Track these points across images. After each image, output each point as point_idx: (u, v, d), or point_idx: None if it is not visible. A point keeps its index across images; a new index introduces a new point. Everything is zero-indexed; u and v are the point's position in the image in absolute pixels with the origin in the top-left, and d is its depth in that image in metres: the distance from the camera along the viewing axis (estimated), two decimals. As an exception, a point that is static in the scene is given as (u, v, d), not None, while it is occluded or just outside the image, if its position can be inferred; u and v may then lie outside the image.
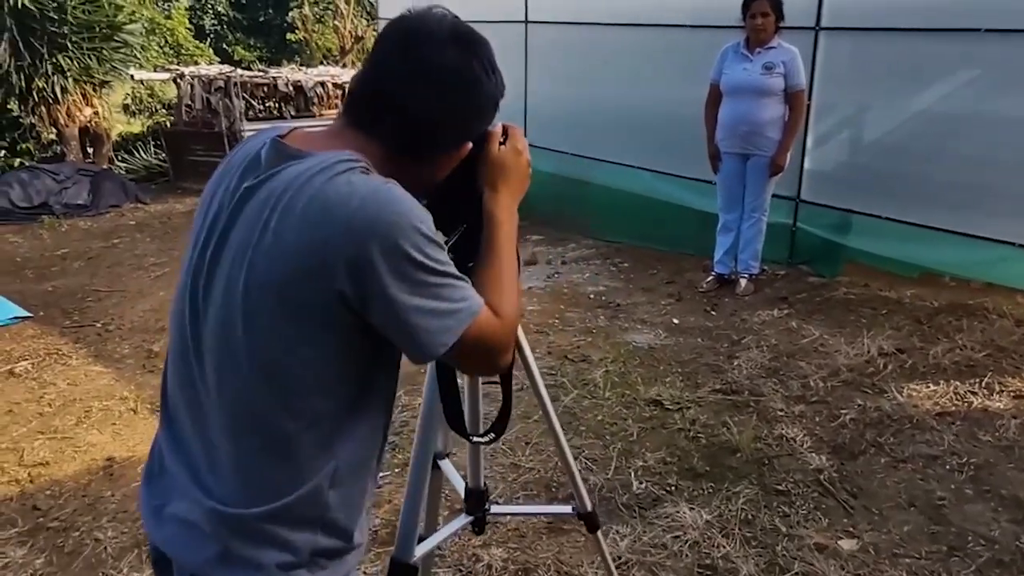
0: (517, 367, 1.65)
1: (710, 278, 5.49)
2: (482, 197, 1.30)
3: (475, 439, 1.58)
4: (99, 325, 5.04)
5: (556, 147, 7.25)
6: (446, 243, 1.36)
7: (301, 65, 13.27)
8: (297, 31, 15.40)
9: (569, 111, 7.08)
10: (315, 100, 11.29)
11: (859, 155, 5.61)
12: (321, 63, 14.60)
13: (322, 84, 11.15)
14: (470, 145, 1.23)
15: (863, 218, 5.37)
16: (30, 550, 2.81)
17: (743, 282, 5.33)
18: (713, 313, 5.02)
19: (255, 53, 16.10)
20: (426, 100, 1.14)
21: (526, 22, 7.19)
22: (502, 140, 1.32)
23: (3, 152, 10.01)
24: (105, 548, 2.80)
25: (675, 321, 4.88)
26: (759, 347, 4.39)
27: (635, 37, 6.60)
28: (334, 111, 11.43)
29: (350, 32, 14.73)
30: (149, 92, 13.67)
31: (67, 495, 3.15)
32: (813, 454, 3.24)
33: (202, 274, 1.14)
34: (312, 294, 1.04)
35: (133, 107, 13.79)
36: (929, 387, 3.79)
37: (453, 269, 1.10)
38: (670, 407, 3.71)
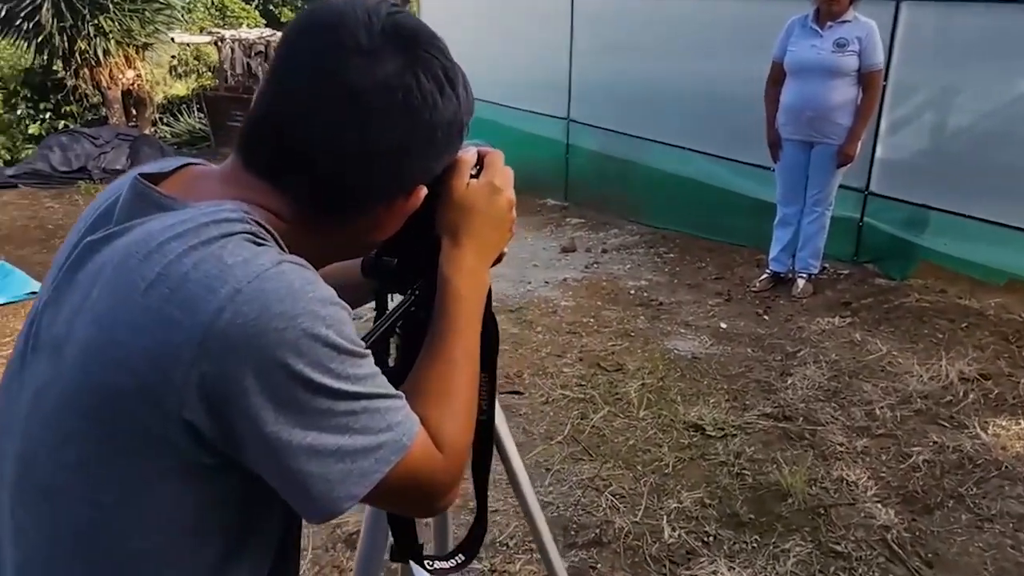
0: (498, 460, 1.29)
1: (764, 276, 5.01)
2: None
3: (436, 565, 1.18)
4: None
5: (601, 124, 6.78)
6: (391, 315, 1.00)
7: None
8: None
9: (617, 85, 6.57)
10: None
11: (940, 143, 5.01)
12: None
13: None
14: (424, 191, 0.86)
15: (941, 215, 4.81)
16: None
17: (801, 283, 4.84)
18: (766, 318, 4.56)
19: (301, 15, 15.76)
20: (347, 138, 0.77)
21: (574, -12, 6.67)
22: (474, 172, 0.95)
23: (49, 114, 9.94)
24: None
25: (723, 326, 4.44)
26: (817, 363, 3.93)
27: (692, 6, 6.04)
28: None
29: None
30: (195, 55, 13.50)
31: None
32: (879, 505, 2.81)
33: (22, 361, 0.80)
34: (143, 422, 0.70)
35: (180, 69, 13.65)
36: (1020, 424, 3.30)
37: (375, 384, 0.75)
38: (712, 433, 3.31)
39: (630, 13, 6.41)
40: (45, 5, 8.81)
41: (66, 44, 9.17)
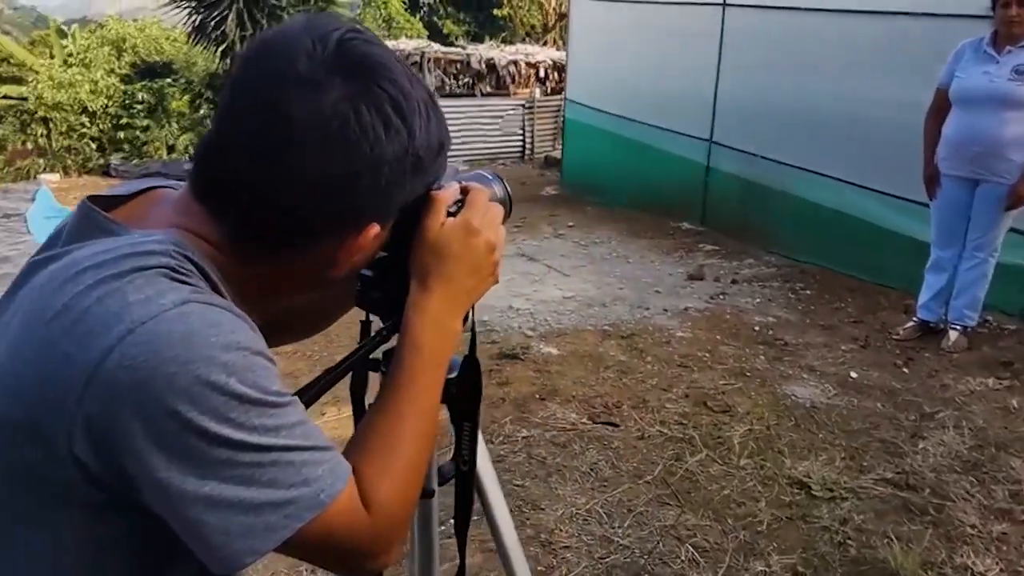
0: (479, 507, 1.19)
1: (910, 324, 4.52)
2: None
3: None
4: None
5: (745, 147, 6.44)
6: (347, 360, 0.92)
7: (501, 42, 13.18)
8: (503, 6, 15.36)
9: (763, 108, 6.22)
10: (508, 79, 11.13)
11: None
12: (523, 40, 14.44)
13: (515, 63, 10.95)
14: (375, 229, 0.78)
15: None
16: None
17: (953, 335, 4.33)
18: (905, 370, 4.11)
19: (463, 28, 16.32)
20: (277, 168, 0.72)
21: (724, 5, 6.39)
22: (452, 210, 0.86)
23: (225, 115, 10.86)
24: None
25: (853, 375, 4.05)
26: (958, 427, 3.48)
27: (849, 26, 5.59)
28: (526, 91, 11.22)
29: (554, 8, 14.41)
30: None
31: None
32: (1006, 605, 2.42)
33: None
34: (35, 456, 0.67)
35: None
36: None
37: (292, 435, 0.69)
38: (819, 493, 3.00)
39: (783, 30, 6.05)
40: (230, 16, 9.64)
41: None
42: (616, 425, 3.53)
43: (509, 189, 1.02)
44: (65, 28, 13.21)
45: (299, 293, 0.88)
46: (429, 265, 0.85)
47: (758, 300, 5.20)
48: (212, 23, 9.76)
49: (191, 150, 10.42)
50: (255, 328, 0.72)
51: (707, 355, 4.29)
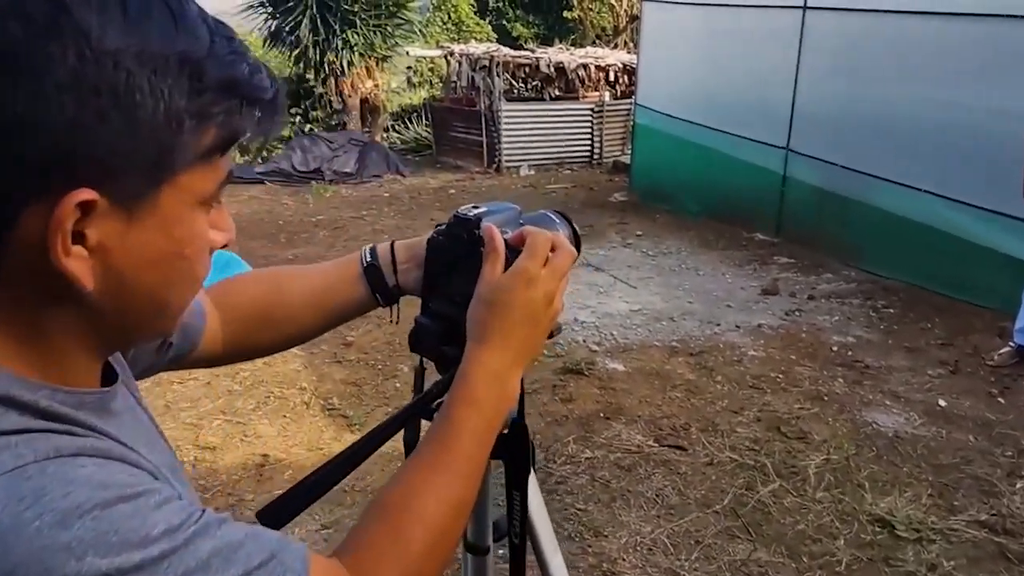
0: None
1: (1006, 349, 4.22)
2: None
3: None
4: (314, 303, 5.19)
5: (824, 156, 6.16)
6: (393, 421, 0.84)
7: (571, 45, 13.07)
8: (573, 9, 15.24)
9: (845, 116, 5.94)
10: (577, 82, 11.02)
11: None
12: (593, 43, 14.29)
13: (584, 66, 10.81)
14: (87, 195, 0.51)
15: None
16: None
17: (1053, 362, 4.02)
18: (1001, 400, 3.83)
19: (532, 31, 16.27)
20: None
21: (804, 8, 6.12)
22: (513, 255, 0.78)
23: (299, 118, 11.10)
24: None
25: (941, 403, 3.79)
26: (1060, 466, 3.21)
27: (942, 29, 5.27)
28: (596, 95, 11.08)
29: (625, 11, 14.21)
30: (430, 67, 14.41)
31: (216, 490, 3.15)
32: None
33: None
34: None
35: (415, 80, 14.64)
36: None
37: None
38: (903, 533, 2.80)
39: (868, 34, 5.76)
40: (304, 22, 9.82)
41: (318, 56, 10.18)
42: (684, 449, 3.39)
43: (578, 230, 0.93)
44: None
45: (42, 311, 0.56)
46: (483, 319, 0.76)
47: (836, 318, 4.95)
48: (287, 28, 9.98)
49: (265, 152, 10.68)
50: (99, 449, 0.54)
51: (781, 376, 4.09)
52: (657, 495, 3.05)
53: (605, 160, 10.97)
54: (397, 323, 1.00)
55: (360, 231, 7.13)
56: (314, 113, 10.93)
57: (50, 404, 0.54)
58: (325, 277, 0.96)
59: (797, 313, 5.04)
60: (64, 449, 0.51)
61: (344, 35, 10.11)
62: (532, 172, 10.42)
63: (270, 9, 10.28)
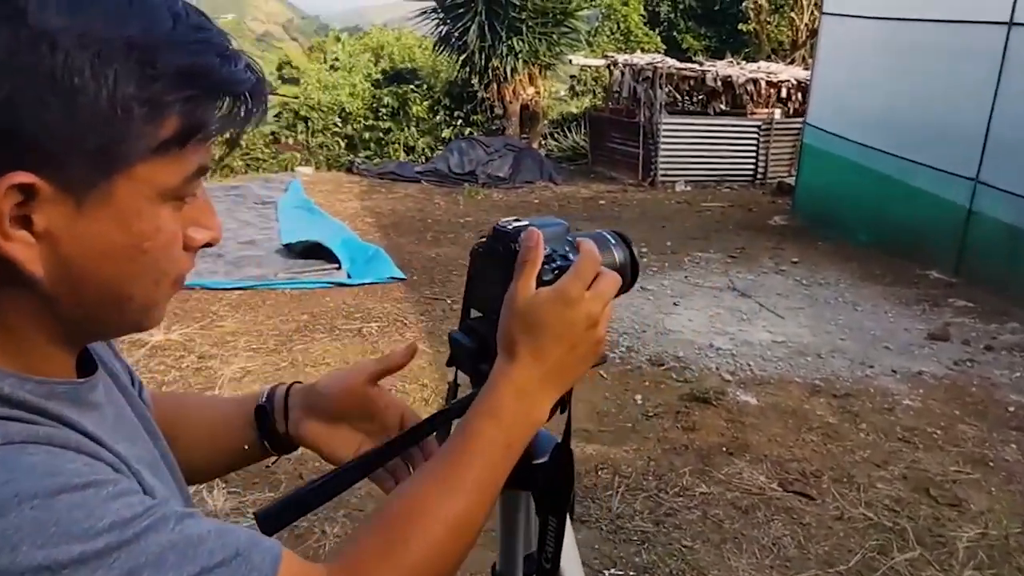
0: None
1: None
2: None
3: None
4: (450, 301, 5.28)
5: (1021, 191, 5.46)
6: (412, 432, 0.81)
7: (743, 59, 12.55)
8: (749, 21, 14.61)
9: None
10: (745, 98, 10.56)
11: None
12: (768, 58, 13.65)
13: (754, 81, 10.33)
14: (20, 178, 0.49)
15: None
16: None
17: None
18: None
19: (702, 43, 15.77)
20: None
21: (1010, 24, 5.46)
22: (552, 271, 0.71)
23: (460, 121, 11.44)
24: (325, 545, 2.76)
25: None
26: None
27: None
28: (765, 111, 10.58)
29: (806, 25, 13.44)
30: (594, 76, 14.36)
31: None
32: None
33: None
34: None
35: (578, 89, 14.67)
36: None
37: (160, 572, 0.49)
38: (1072, 637, 2.37)
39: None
40: (472, 28, 10.10)
41: (483, 61, 10.43)
42: (811, 498, 3.09)
43: (636, 254, 0.83)
44: (339, 36, 14.71)
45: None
46: (516, 336, 0.69)
47: (1018, 374, 4.35)
48: (456, 33, 10.31)
49: (428, 153, 11.10)
50: (55, 436, 0.51)
51: (939, 432, 3.64)
52: (774, 544, 2.79)
53: (769, 180, 10.42)
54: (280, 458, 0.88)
55: (504, 235, 7.18)
56: (475, 117, 11.22)
57: (13, 392, 0.52)
58: (224, 412, 0.87)
59: (969, 363, 4.48)
60: (14, 436, 0.50)
61: (510, 42, 10.30)
62: (688, 188, 10.09)
63: (441, 15, 10.67)
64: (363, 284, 5.44)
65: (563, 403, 0.77)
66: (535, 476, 0.87)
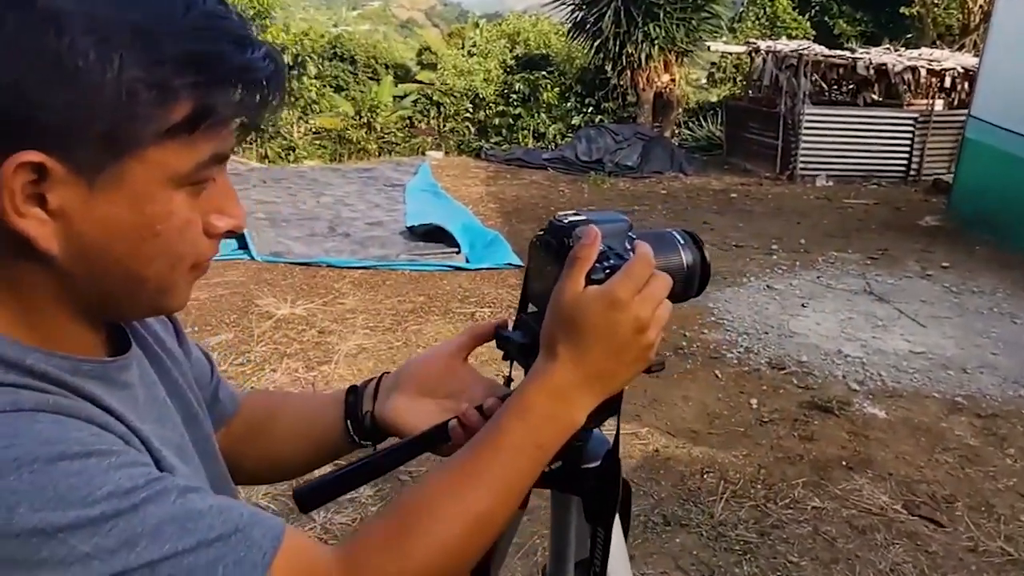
0: None
1: None
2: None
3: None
4: (564, 289, 5.22)
5: None
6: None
7: (903, 45, 11.61)
8: (913, 4, 13.44)
9: None
10: (902, 87, 9.78)
11: None
12: (933, 43, 12.55)
13: (913, 69, 9.54)
14: (31, 156, 0.50)
15: None
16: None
17: None
18: None
19: (857, 28, 14.69)
20: None
21: None
22: (604, 271, 0.66)
23: (591, 109, 11.31)
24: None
25: None
26: None
27: None
28: (924, 103, 9.79)
29: (980, 6, 12.21)
30: (735, 63, 13.78)
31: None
32: None
33: None
34: None
35: (717, 76, 14.13)
36: None
37: (155, 545, 0.50)
38: None
39: None
40: (608, 13, 9.93)
41: (617, 48, 10.24)
42: (941, 524, 2.82)
43: (708, 259, 0.77)
44: (477, 22, 14.94)
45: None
46: (558, 334, 0.66)
47: None
48: (591, 19, 10.18)
49: (559, 139, 11.07)
50: (64, 407, 0.52)
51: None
52: (892, 570, 2.57)
53: (924, 178, 9.61)
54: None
55: (627, 225, 7.04)
56: (606, 104, 11.05)
57: (35, 364, 0.54)
58: (321, 402, 0.87)
59: None
60: (24, 404, 0.51)
61: (646, 27, 10.04)
62: (830, 183, 9.49)
63: (577, 1, 10.56)
64: (480, 269, 5.50)
65: (614, 409, 0.73)
66: (584, 480, 0.84)
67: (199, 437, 0.70)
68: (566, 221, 0.73)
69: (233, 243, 5.44)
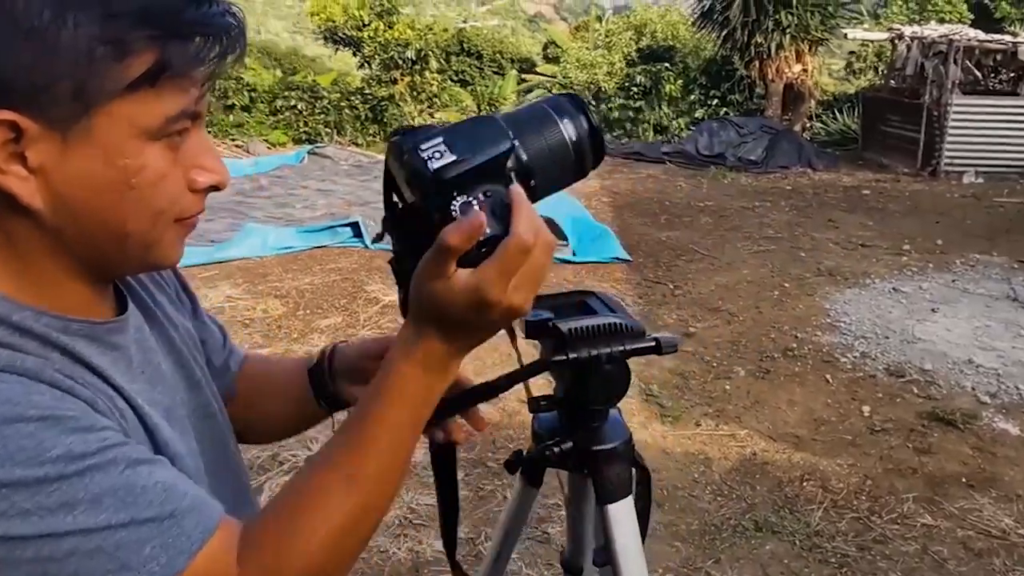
0: None
1: None
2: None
3: None
4: (671, 286, 5.11)
5: None
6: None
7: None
8: (1090, -16, 12.04)
9: None
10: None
11: None
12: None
13: (1083, 55, 8.59)
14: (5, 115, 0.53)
15: None
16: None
17: None
18: None
19: (1020, 12, 13.32)
20: None
21: None
22: (480, 244, 0.59)
23: (716, 101, 10.95)
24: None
25: None
26: None
27: None
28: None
29: None
30: (877, 52, 12.90)
31: (519, 441, 3.30)
32: None
33: None
34: None
35: (856, 66, 13.29)
36: None
37: (94, 512, 0.52)
38: None
39: None
40: (736, 2, 9.56)
41: (744, 38, 9.84)
42: None
43: (595, 122, 0.66)
44: (603, 14, 14.82)
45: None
46: (426, 317, 0.63)
47: None
48: (719, 8, 9.83)
49: (683, 133, 10.79)
50: (34, 369, 0.55)
51: None
52: None
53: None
54: None
55: (745, 222, 6.78)
56: (732, 97, 10.66)
57: (22, 320, 0.57)
58: (293, 373, 0.89)
59: None
60: None
61: (777, 15, 9.58)
62: (979, 180, 8.72)
63: (705, -11, 10.25)
64: (586, 262, 5.46)
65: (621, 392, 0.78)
66: (596, 462, 0.85)
67: (200, 402, 0.73)
68: (429, 156, 0.60)
69: (348, 231, 5.69)
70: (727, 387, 3.76)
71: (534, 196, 0.64)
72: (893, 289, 5.02)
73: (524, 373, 0.78)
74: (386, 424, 0.63)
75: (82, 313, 0.61)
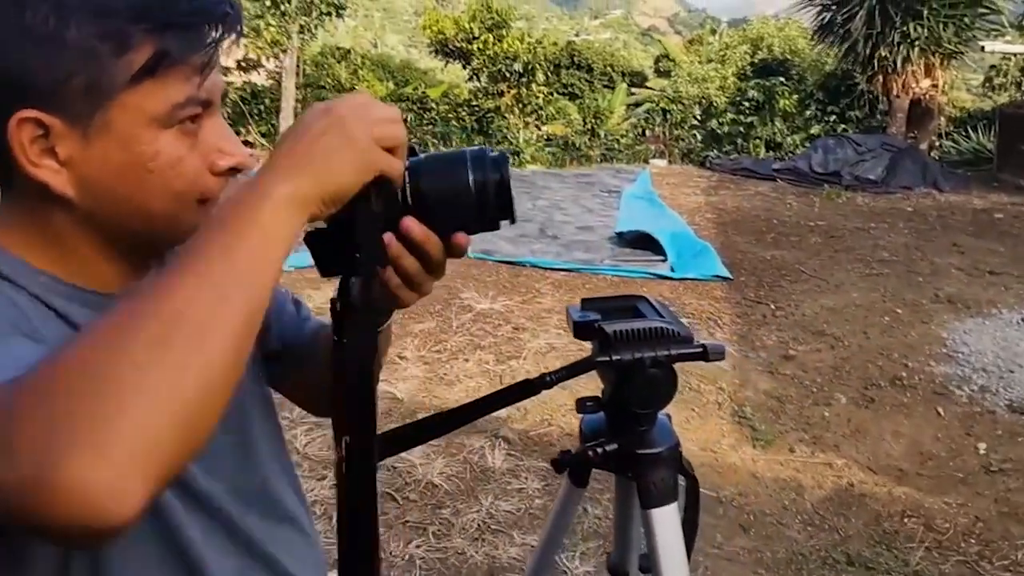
0: None
1: None
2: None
3: None
4: (773, 306, 4.92)
5: None
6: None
7: None
8: None
9: None
10: None
11: None
12: None
13: None
14: (28, 114, 0.58)
15: None
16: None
17: None
18: None
19: None
20: None
21: None
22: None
23: (833, 117, 10.48)
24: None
25: None
26: None
27: None
28: None
29: None
30: (1021, 67, 11.99)
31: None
32: None
33: None
34: None
35: (996, 81, 12.40)
36: None
37: None
38: None
39: None
40: (860, 13, 9.13)
41: (867, 51, 9.37)
42: None
43: (506, 176, 0.67)
44: (718, 28, 14.52)
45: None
46: (281, 146, 0.59)
47: None
48: (840, 20, 9.41)
49: (797, 150, 10.41)
50: None
51: None
52: None
53: None
54: None
55: (858, 243, 6.44)
56: (851, 113, 10.16)
57: (14, 272, 0.61)
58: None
59: None
60: None
61: (904, 27, 9.06)
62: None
63: (827, 1, 9.82)
64: (685, 279, 5.34)
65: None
66: (641, 465, 0.86)
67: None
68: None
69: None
70: (826, 413, 3.59)
71: (426, 203, 0.66)
72: (1021, 319, 4.64)
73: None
74: (206, 243, 0.55)
75: (111, 286, 0.66)
